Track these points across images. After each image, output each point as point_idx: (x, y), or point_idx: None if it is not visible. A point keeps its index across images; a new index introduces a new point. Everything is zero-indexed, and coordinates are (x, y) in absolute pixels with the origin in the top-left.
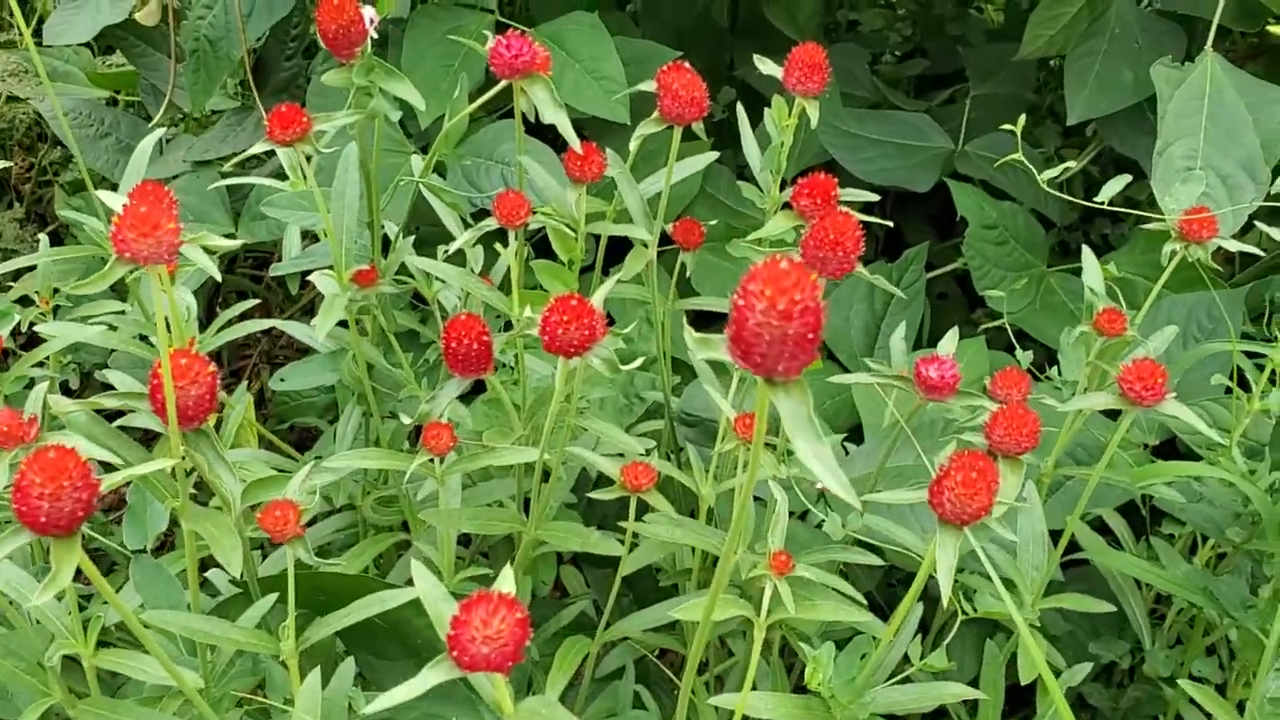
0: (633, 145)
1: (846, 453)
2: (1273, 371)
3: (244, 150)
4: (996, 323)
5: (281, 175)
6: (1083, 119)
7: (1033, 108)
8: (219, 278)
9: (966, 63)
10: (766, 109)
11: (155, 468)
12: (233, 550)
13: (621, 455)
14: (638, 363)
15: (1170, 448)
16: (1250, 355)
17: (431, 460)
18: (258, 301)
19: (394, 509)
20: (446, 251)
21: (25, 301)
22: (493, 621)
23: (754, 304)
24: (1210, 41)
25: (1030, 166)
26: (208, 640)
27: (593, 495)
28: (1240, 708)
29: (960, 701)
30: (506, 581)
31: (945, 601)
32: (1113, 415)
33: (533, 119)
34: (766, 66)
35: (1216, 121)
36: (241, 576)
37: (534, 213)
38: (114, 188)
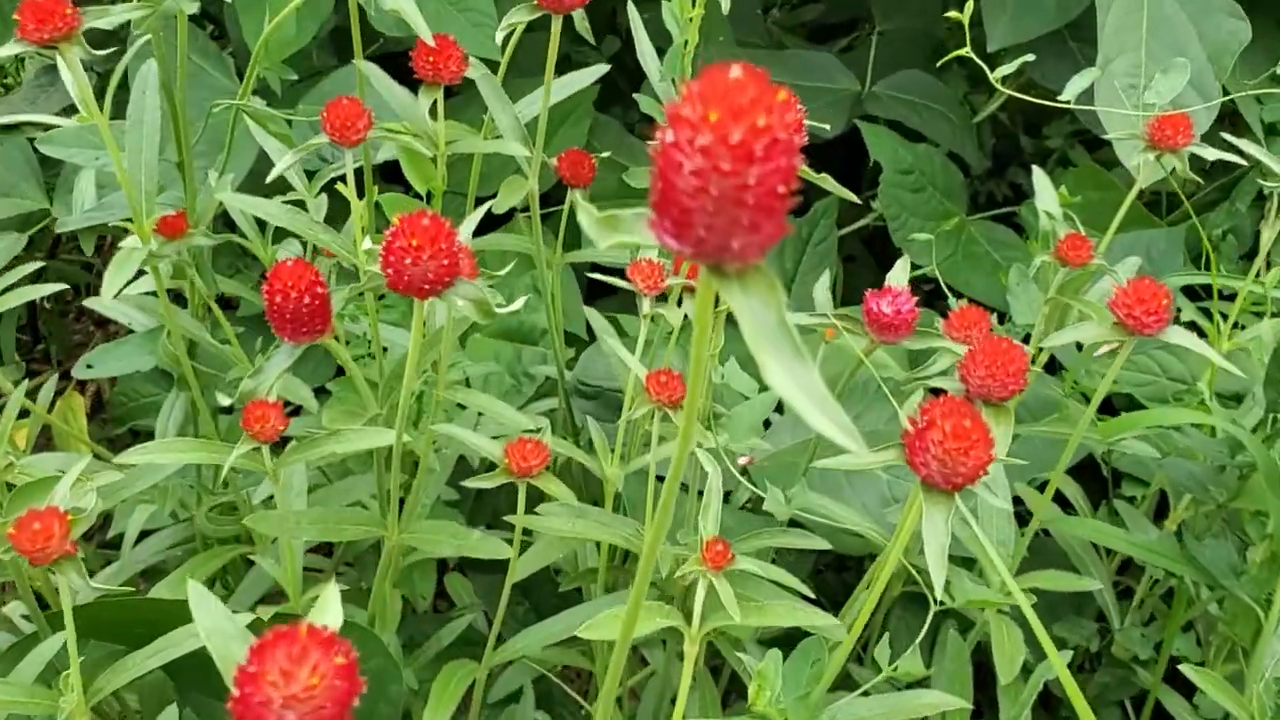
0: (499, 36)
1: (767, 425)
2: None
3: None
4: (916, 272)
5: None
6: (1003, 46)
7: (941, 44)
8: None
9: None
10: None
11: None
12: None
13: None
14: (519, 303)
15: (1106, 406)
16: (1191, 295)
17: (258, 449)
18: (64, 287)
19: (235, 517)
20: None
21: None
22: (298, 673)
23: (691, 138)
24: None
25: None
26: None
27: (470, 483)
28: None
29: None
30: (329, 610)
31: (939, 594)
32: (1050, 369)
33: (371, 11)
34: None
35: (1158, 35)
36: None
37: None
38: None
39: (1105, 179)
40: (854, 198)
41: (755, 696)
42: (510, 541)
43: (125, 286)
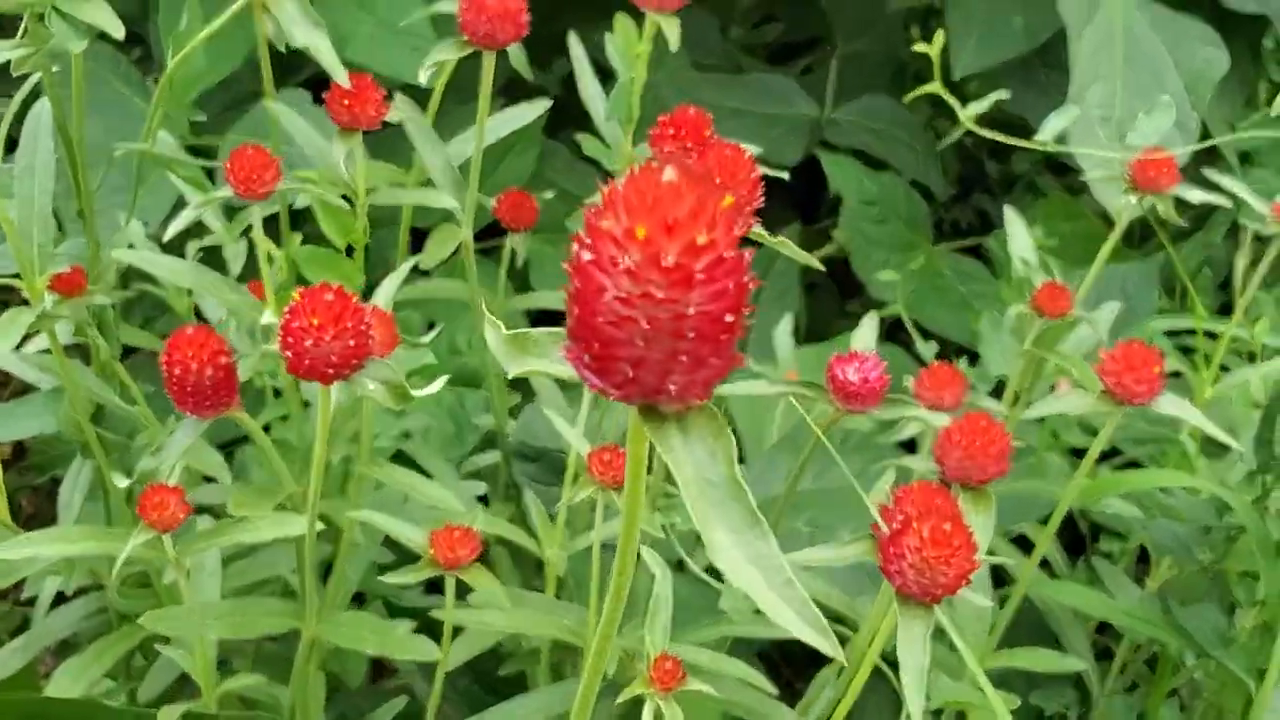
0: (423, 76)
1: None
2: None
3: None
4: (882, 311)
5: None
6: (970, 72)
7: (904, 66)
8: None
9: (831, 18)
10: (608, 33)
11: None
12: None
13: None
14: (437, 384)
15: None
16: (1171, 334)
17: (159, 538)
18: None
19: (149, 591)
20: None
21: None
22: None
23: (614, 257)
24: None
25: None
26: None
27: (391, 579)
28: None
29: None
30: None
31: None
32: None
33: (281, 47)
34: None
35: (1133, 63)
36: None
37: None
38: None
39: (1075, 208)
40: (817, 264)
41: None
42: (435, 634)
43: (19, 347)
